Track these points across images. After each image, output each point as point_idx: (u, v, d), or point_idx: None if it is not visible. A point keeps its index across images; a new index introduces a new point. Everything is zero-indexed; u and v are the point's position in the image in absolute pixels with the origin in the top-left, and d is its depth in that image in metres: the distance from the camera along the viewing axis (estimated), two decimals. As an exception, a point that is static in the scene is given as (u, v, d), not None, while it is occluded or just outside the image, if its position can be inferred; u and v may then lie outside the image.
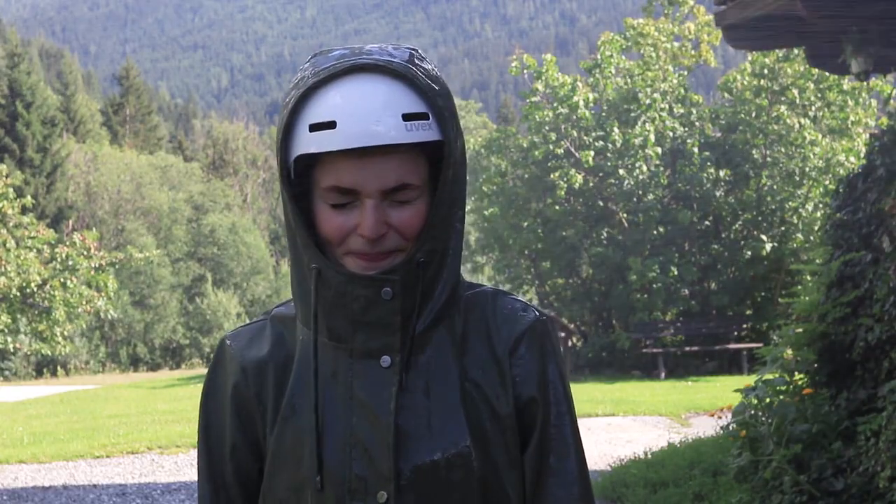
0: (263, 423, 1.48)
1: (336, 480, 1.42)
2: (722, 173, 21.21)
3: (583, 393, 16.03)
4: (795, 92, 20.85)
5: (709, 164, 21.17)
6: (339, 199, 1.40)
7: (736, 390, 6.14)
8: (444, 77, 1.47)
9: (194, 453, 8.34)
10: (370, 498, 1.41)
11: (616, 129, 21.31)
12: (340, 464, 1.42)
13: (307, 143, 1.38)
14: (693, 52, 22.82)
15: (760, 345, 16.00)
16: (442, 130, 1.40)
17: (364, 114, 1.36)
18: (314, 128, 1.38)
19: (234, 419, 1.49)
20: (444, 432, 1.42)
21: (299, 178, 1.43)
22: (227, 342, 1.54)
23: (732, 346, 20.36)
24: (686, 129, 22.06)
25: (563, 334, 20.17)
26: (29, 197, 24.85)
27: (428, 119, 1.39)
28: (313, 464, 1.42)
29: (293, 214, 1.42)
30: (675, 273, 20.93)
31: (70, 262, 22.98)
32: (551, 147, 21.75)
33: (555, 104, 21.67)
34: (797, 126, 20.87)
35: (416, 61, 1.42)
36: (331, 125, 1.36)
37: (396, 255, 1.42)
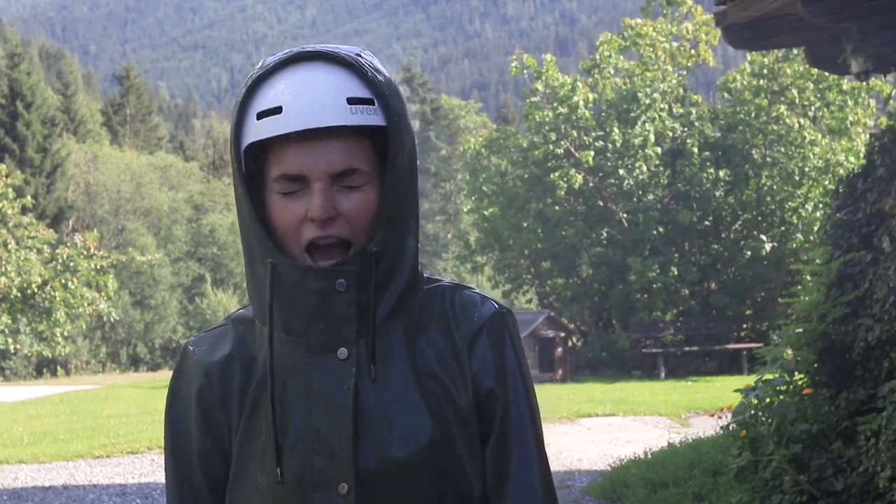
0: (229, 424, 1.49)
1: (298, 474, 1.43)
2: (722, 173, 21.21)
3: (583, 393, 16.03)
4: (795, 92, 20.85)
5: (708, 164, 21.17)
6: (288, 187, 1.41)
7: (736, 390, 6.13)
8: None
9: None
10: (332, 491, 1.42)
11: (616, 130, 21.31)
12: (301, 457, 1.43)
13: (255, 131, 1.41)
14: (692, 52, 22.83)
15: (760, 345, 16.00)
16: (388, 117, 1.42)
17: (309, 98, 1.39)
18: (261, 115, 1.40)
19: (200, 423, 1.50)
20: (404, 424, 1.43)
21: (251, 172, 1.44)
22: (190, 348, 1.54)
23: (732, 346, 20.36)
24: (686, 129, 22.06)
25: (562, 334, 20.17)
26: (29, 197, 24.86)
27: (373, 105, 1.41)
28: (274, 457, 1.43)
29: (247, 208, 1.43)
30: (675, 273, 20.93)
31: (70, 263, 22.96)
32: (551, 147, 21.76)
33: (555, 104, 21.68)
34: (797, 126, 20.87)
35: (364, 56, 1.45)
36: (277, 111, 1.39)
37: (348, 246, 1.42)
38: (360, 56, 1.44)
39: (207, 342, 1.54)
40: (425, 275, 1.54)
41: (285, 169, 1.41)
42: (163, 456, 1.57)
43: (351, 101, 1.40)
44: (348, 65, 1.42)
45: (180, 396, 1.53)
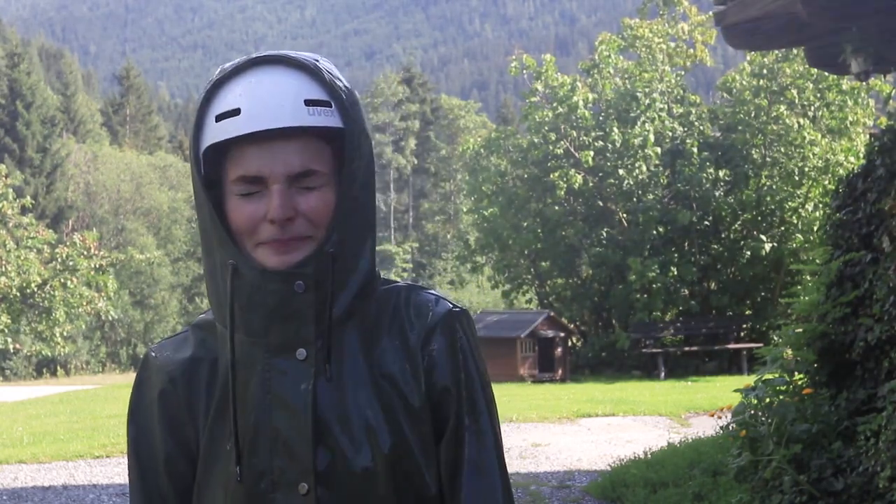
0: (195, 427, 1.49)
1: (258, 473, 1.44)
2: (721, 173, 21.21)
3: (582, 393, 16.03)
4: (795, 92, 20.85)
5: (708, 164, 21.17)
6: (247, 188, 1.43)
7: (736, 390, 6.13)
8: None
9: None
10: (292, 490, 1.43)
11: (615, 130, 21.31)
12: (262, 457, 1.44)
13: (214, 133, 1.43)
14: (689, 53, 22.85)
15: (760, 345, 16.02)
16: (344, 120, 1.43)
17: (266, 99, 1.41)
18: (220, 117, 1.42)
19: (164, 428, 1.50)
20: (362, 424, 1.44)
21: (210, 175, 1.46)
22: (152, 354, 1.55)
23: (732, 346, 20.36)
24: (685, 129, 22.06)
25: (562, 334, 20.17)
26: (29, 197, 24.88)
27: (330, 107, 1.43)
28: (234, 457, 1.44)
29: (207, 209, 1.45)
30: (675, 273, 20.94)
31: (70, 263, 22.96)
32: (551, 147, 21.76)
33: (554, 104, 21.68)
34: (796, 126, 20.87)
35: (322, 62, 1.47)
36: (235, 112, 1.41)
37: (306, 242, 1.43)
38: (318, 61, 1.46)
39: (169, 348, 1.55)
40: (384, 276, 1.55)
41: (244, 170, 1.42)
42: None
43: (308, 102, 1.42)
44: (306, 68, 1.44)
45: (144, 404, 1.53)
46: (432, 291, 1.55)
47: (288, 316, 1.43)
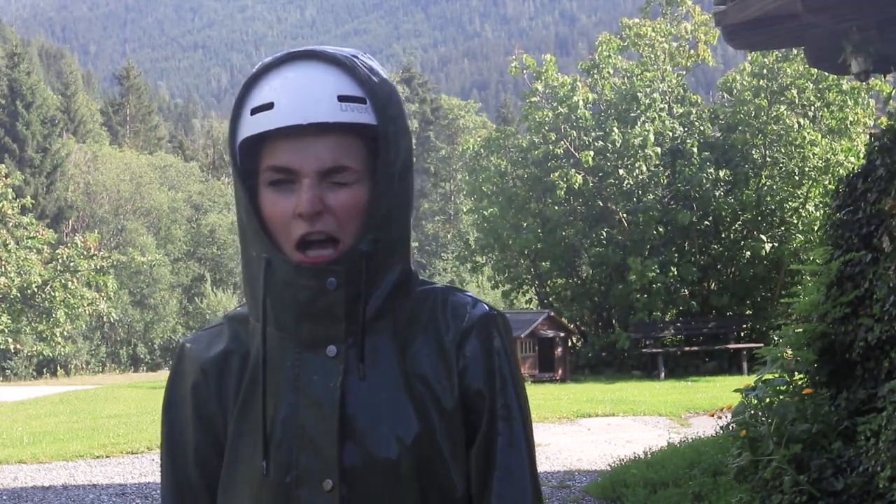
0: (225, 420, 1.50)
1: (283, 468, 1.44)
2: (721, 173, 21.21)
3: (582, 393, 16.03)
4: (795, 92, 20.85)
5: (708, 164, 21.16)
6: (276, 177, 1.44)
7: (736, 390, 6.13)
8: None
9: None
10: (316, 486, 1.43)
11: (615, 130, 21.31)
12: (287, 453, 1.44)
13: (249, 126, 1.44)
14: (691, 52, 22.84)
15: (760, 345, 16.01)
16: (379, 117, 1.43)
17: (300, 94, 1.42)
18: (255, 111, 1.43)
19: (196, 420, 1.51)
20: (389, 424, 1.44)
21: (249, 170, 1.47)
22: (187, 345, 1.56)
23: (732, 346, 20.36)
24: (685, 129, 22.06)
25: (562, 334, 20.17)
26: (28, 197, 24.89)
27: (365, 103, 1.43)
28: (261, 451, 1.44)
29: (244, 203, 1.46)
30: (675, 273, 20.93)
31: (70, 263, 22.96)
32: (551, 147, 21.76)
33: (554, 104, 21.68)
34: (797, 126, 20.86)
35: (360, 57, 1.48)
36: (269, 106, 1.42)
37: (335, 244, 1.44)
38: (356, 57, 1.47)
39: (204, 340, 1.55)
40: (421, 277, 1.55)
41: (275, 161, 1.43)
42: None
43: (342, 98, 1.42)
44: (342, 64, 1.44)
45: (177, 395, 1.54)
46: (470, 294, 1.54)
47: (319, 312, 1.44)
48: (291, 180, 1.43)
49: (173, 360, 1.57)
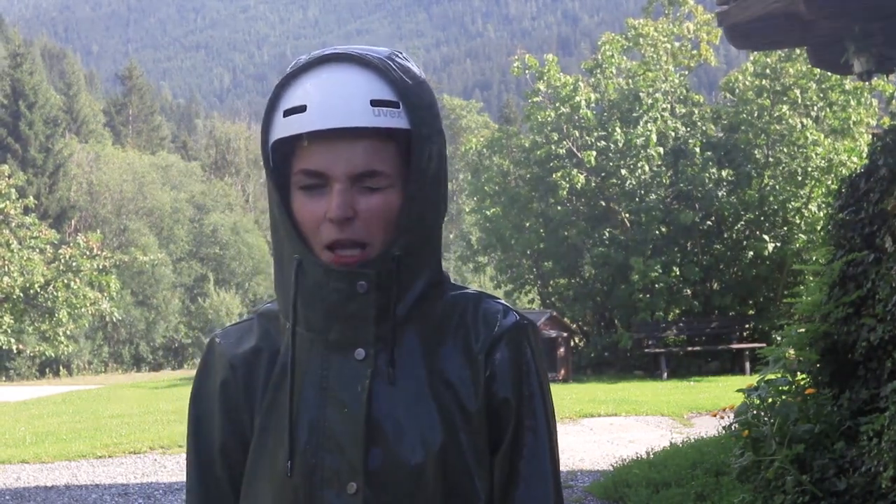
0: (251, 416, 1.50)
1: (308, 470, 1.44)
2: (724, 173, 21.19)
3: (585, 393, 16.03)
4: (797, 92, 20.83)
5: (711, 164, 21.15)
6: (308, 181, 1.43)
7: (738, 390, 6.13)
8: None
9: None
10: (340, 488, 1.43)
11: (618, 129, 21.30)
12: (312, 454, 1.44)
13: (281, 128, 1.43)
14: (693, 52, 22.83)
15: (763, 345, 15.99)
16: (412, 121, 1.42)
17: (332, 98, 1.40)
18: (287, 113, 1.43)
19: (223, 416, 1.51)
20: (415, 427, 1.43)
21: (279, 169, 1.47)
22: (217, 340, 1.56)
23: (735, 346, 20.35)
24: (688, 129, 22.05)
25: (565, 334, 20.16)
26: (31, 197, 24.90)
27: (398, 108, 1.42)
28: (286, 451, 1.44)
29: (276, 203, 1.46)
30: (678, 273, 20.92)
31: (73, 263, 22.99)
32: (553, 147, 21.75)
33: (557, 104, 21.67)
34: (799, 126, 20.85)
35: (395, 58, 1.46)
36: (301, 109, 1.41)
37: (366, 249, 1.43)
38: (391, 59, 1.45)
39: (234, 335, 1.55)
40: (451, 281, 1.54)
41: (307, 164, 1.43)
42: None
43: (374, 103, 1.40)
44: (376, 67, 1.43)
45: (205, 389, 1.54)
46: (501, 301, 1.54)
47: (348, 315, 1.43)
48: (322, 184, 1.42)
49: (203, 353, 1.57)
